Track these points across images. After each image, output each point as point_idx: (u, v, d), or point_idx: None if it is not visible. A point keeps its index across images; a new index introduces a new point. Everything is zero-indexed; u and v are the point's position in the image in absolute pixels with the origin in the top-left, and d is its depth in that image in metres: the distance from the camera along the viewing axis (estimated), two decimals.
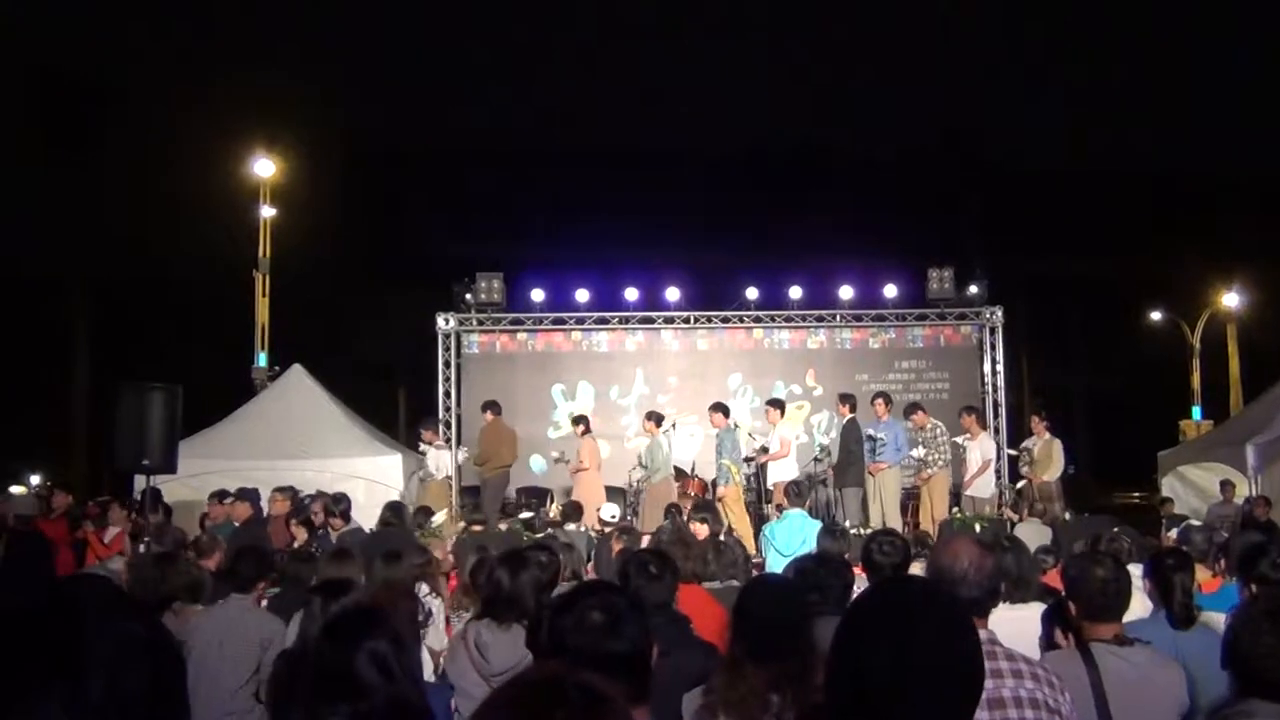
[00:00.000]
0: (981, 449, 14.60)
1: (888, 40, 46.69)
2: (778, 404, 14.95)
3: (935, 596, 2.09)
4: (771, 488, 14.50)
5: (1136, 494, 32.60)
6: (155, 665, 1.42)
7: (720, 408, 15.01)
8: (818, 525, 10.11)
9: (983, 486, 14.50)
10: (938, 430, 14.42)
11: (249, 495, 12.42)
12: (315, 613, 4.57)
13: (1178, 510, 16.02)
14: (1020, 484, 15.17)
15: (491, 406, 15.90)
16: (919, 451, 14.43)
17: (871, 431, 14.75)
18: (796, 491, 10.72)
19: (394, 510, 11.26)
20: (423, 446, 15.01)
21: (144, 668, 1.40)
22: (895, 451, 14.12)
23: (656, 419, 15.13)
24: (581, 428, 15.11)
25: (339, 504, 11.18)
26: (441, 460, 14.90)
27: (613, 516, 13.08)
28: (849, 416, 14.73)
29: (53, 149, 31.29)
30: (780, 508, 11.69)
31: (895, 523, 13.52)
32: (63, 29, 34.49)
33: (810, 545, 9.24)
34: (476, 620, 4.80)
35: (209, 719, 5.33)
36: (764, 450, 14.99)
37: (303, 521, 11.07)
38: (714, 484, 14.85)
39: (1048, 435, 15.02)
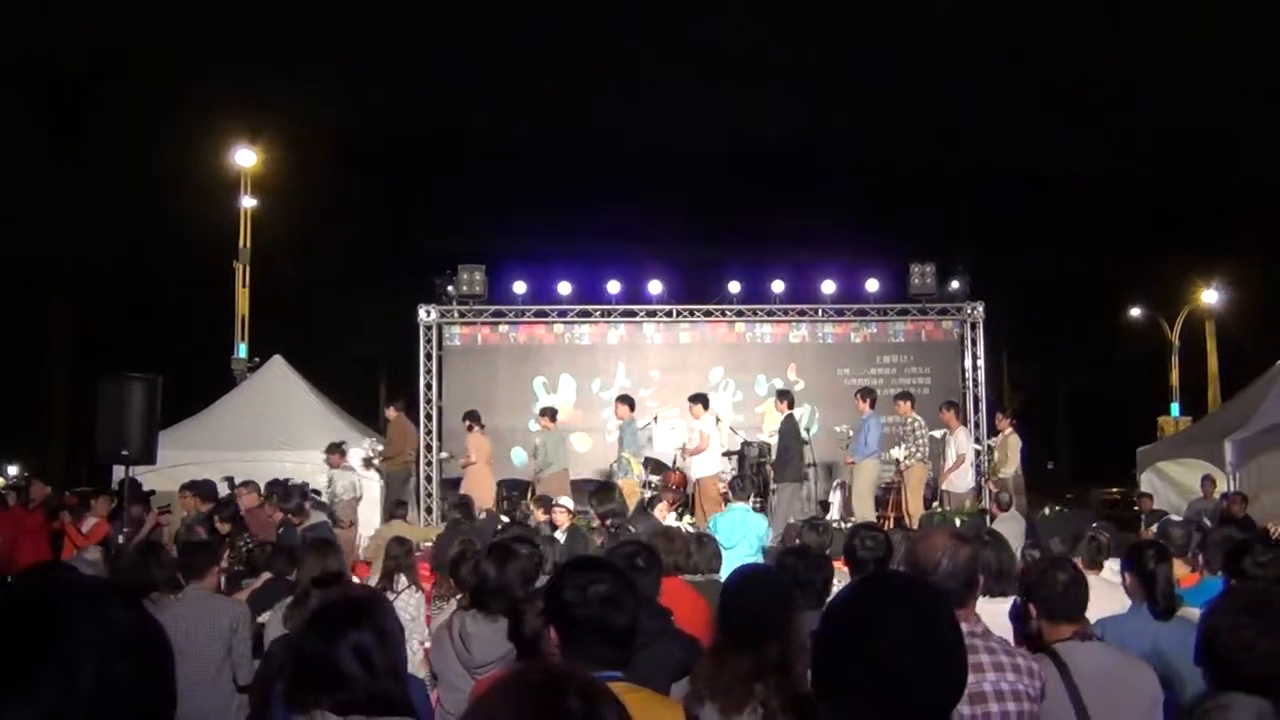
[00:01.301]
0: (958, 444, 14.72)
1: (871, 38, 46.79)
2: (700, 399, 14.97)
3: (916, 591, 2.09)
4: (695, 481, 14.59)
5: (1115, 490, 32.79)
6: (144, 654, 1.42)
7: (625, 400, 15.30)
8: (761, 519, 10.26)
9: (959, 481, 14.64)
10: (916, 424, 14.53)
11: (202, 488, 12.38)
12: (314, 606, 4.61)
13: (1156, 506, 16.12)
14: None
15: (396, 403, 16.02)
16: (898, 451, 14.58)
17: (845, 426, 14.88)
18: (741, 486, 10.85)
19: (461, 507, 11.23)
20: (328, 472, 14.61)
21: (134, 657, 1.40)
22: (864, 446, 14.25)
23: (551, 414, 15.52)
24: (469, 423, 15.18)
25: (288, 500, 10.79)
26: (347, 481, 14.60)
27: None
28: (787, 413, 14.84)
29: (32, 140, 31.12)
30: (726, 500, 11.84)
31: (868, 515, 13.63)
32: (41, 19, 34.27)
33: (752, 539, 9.40)
34: (462, 611, 4.80)
35: (190, 705, 5.32)
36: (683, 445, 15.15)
37: (228, 518, 10.93)
38: (612, 475, 14.96)
39: (1008, 430, 15.17)
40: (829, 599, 4.38)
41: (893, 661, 1.86)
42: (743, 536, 9.46)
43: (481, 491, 14.40)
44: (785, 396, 15.13)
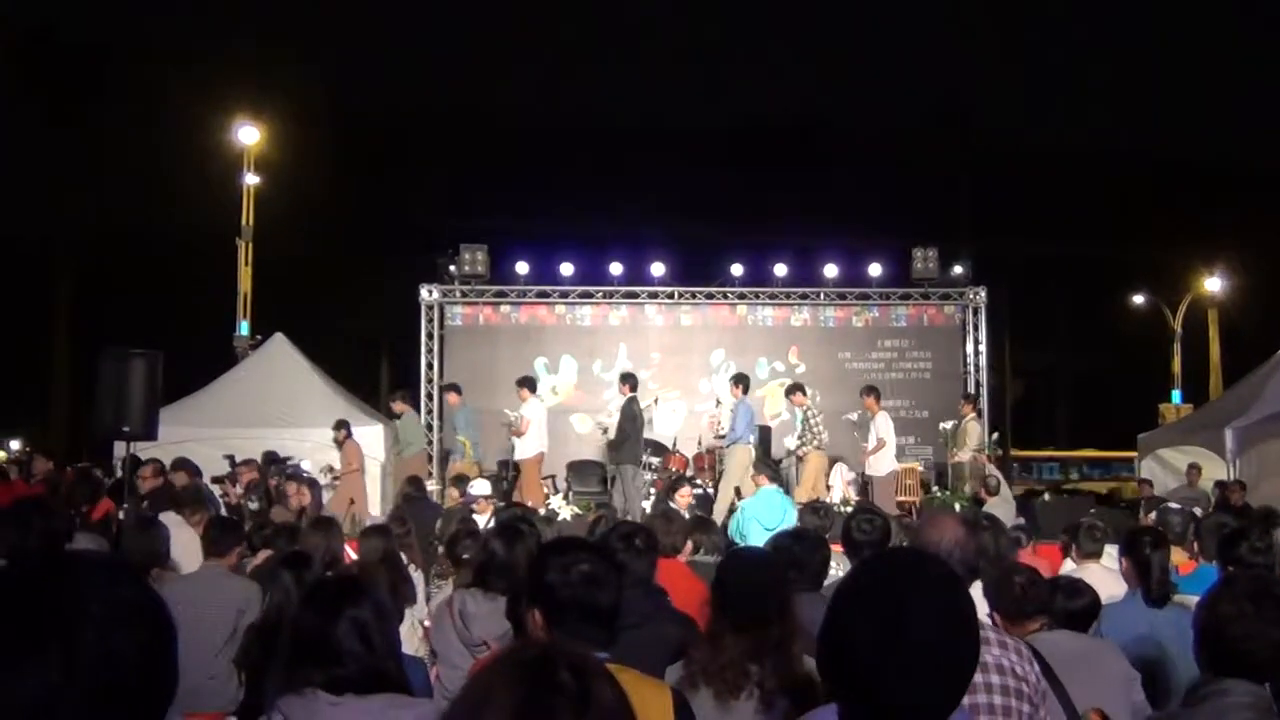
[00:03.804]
0: (878, 428, 14.74)
1: (875, 18, 46.64)
2: (527, 382, 14.99)
3: (928, 569, 2.07)
4: (517, 461, 14.68)
5: (1112, 477, 32.81)
6: (147, 628, 1.43)
7: (453, 387, 15.57)
8: (789, 500, 10.36)
9: (878, 465, 14.64)
10: (810, 413, 14.58)
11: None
12: (286, 584, 4.65)
13: (1157, 493, 16.12)
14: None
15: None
16: (790, 441, 14.88)
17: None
18: (767, 468, 10.94)
19: (413, 483, 11.24)
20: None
21: (136, 630, 1.41)
22: (732, 433, 14.29)
23: (405, 396, 15.78)
24: (344, 433, 14.64)
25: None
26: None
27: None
28: (629, 395, 14.81)
29: (35, 114, 31.04)
30: (757, 484, 11.92)
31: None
32: None
33: (790, 519, 9.46)
34: (464, 589, 4.81)
35: (189, 682, 5.34)
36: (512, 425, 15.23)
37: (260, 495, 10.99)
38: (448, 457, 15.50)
39: (970, 415, 15.21)
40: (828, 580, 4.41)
41: (906, 642, 1.85)
42: (781, 518, 9.55)
43: (358, 496, 14.15)
44: (627, 379, 15.08)
